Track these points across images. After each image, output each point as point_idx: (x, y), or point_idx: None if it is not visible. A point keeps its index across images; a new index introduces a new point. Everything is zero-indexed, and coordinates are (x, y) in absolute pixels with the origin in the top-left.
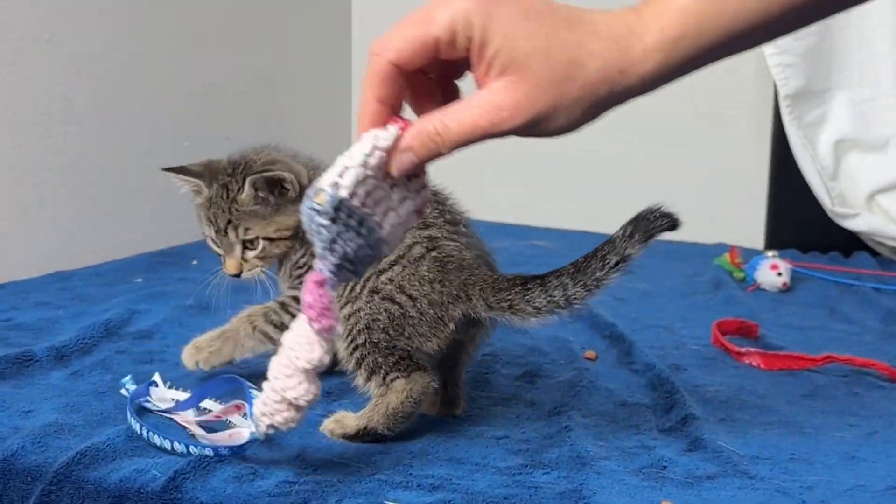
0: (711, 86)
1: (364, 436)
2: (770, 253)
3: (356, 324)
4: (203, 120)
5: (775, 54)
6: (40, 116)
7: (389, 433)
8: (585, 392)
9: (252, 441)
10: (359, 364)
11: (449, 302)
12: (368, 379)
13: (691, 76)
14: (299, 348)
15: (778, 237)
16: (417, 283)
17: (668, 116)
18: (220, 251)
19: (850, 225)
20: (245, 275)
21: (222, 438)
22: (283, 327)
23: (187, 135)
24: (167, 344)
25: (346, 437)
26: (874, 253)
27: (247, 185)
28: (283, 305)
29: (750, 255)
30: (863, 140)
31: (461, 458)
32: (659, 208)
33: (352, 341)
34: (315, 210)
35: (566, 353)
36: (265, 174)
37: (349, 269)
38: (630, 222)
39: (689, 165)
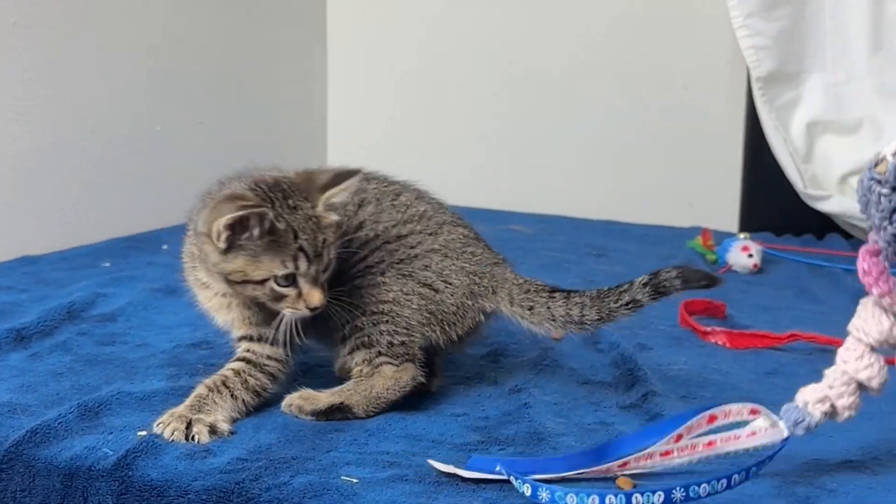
0: (685, 69)
1: (336, 412)
2: (741, 235)
3: (379, 294)
4: (173, 104)
5: (748, 36)
6: (8, 101)
7: (365, 416)
8: (549, 371)
9: (785, 440)
10: (353, 331)
11: (480, 295)
12: (354, 350)
13: (666, 59)
14: (865, 325)
15: (752, 220)
16: (455, 275)
17: (642, 101)
18: (287, 291)
19: (823, 207)
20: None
21: (741, 440)
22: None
23: (158, 119)
24: (130, 326)
25: (315, 413)
26: (847, 235)
27: (323, 202)
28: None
29: (724, 237)
30: (836, 122)
31: (418, 434)
32: (675, 269)
33: (364, 307)
34: (876, 180)
35: (533, 333)
36: (343, 188)
37: None
38: (650, 275)
39: (665, 149)
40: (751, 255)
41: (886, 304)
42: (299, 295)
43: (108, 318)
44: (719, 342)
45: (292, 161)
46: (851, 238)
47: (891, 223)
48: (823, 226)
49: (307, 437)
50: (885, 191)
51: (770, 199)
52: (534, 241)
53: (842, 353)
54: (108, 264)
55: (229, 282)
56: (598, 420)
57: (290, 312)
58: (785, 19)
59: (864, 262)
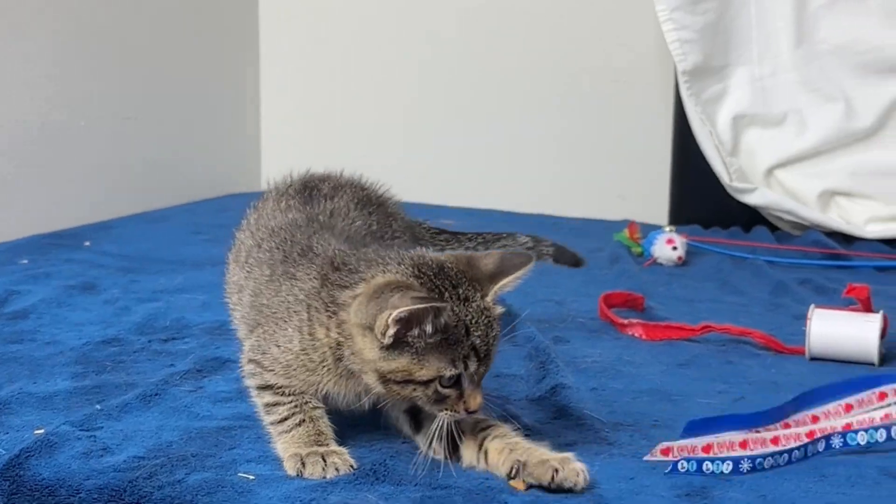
0: (615, 63)
1: None
2: (667, 228)
3: None
4: (99, 98)
5: (673, 30)
6: None
7: None
8: None
9: None
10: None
11: None
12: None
13: (596, 54)
14: None
15: (682, 213)
16: None
17: (573, 95)
18: (448, 392)
19: (748, 200)
20: None
21: None
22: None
23: (83, 113)
24: (41, 324)
25: None
26: (773, 227)
27: (494, 293)
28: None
29: (652, 230)
30: (761, 115)
31: None
32: (552, 245)
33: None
34: None
35: None
36: (517, 276)
37: None
38: (534, 240)
39: (596, 143)
40: (675, 248)
41: None
42: (460, 396)
43: (19, 316)
44: (636, 334)
45: (224, 158)
46: (777, 230)
47: None
48: (751, 218)
49: (211, 435)
50: None
51: (699, 192)
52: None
53: None
54: (25, 261)
55: (385, 380)
56: (506, 413)
57: (447, 416)
58: (710, 13)
59: None
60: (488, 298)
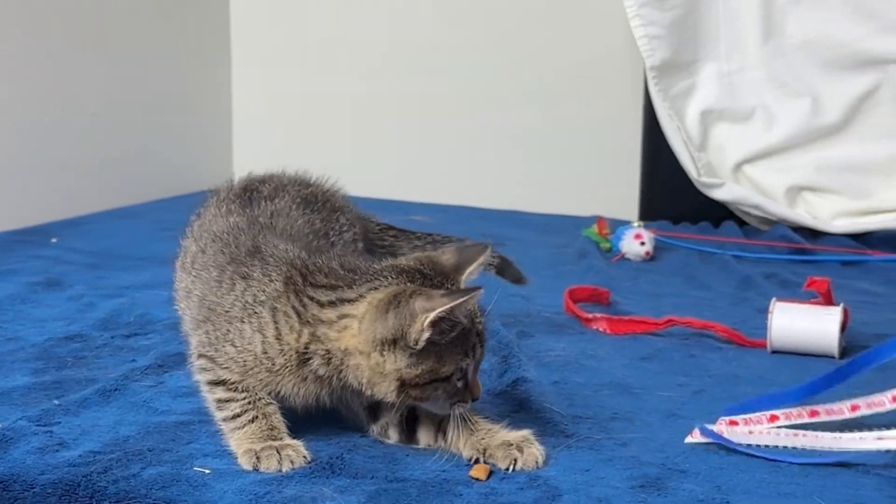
0: (585, 59)
1: None
2: (635, 223)
3: None
4: (65, 95)
5: (641, 26)
6: None
7: None
8: None
9: None
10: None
11: None
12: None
13: (566, 49)
14: None
15: (651, 208)
16: None
17: (542, 91)
18: (460, 384)
19: (716, 195)
20: None
21: None
22: None
23: (48, 110)
24: (3, 320)
25: None
26: (742, 223)
27: (464, 282)
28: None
29: (621, 226)
30: (730, 111)
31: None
32: (499, 258)
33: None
34: None
35: None
36: (479, 263)
37: None
38: None
39: (565, 139)
40: (643, 243)
41: None
42: (465, 386)
43: None
44: (600, 328)
45: (195, 154)
46: (745, 225)
47: None
48: (720, 214)
49: (168, 430)
50: None
51: (669, 187)
52: (432, 230)
53: None
54: None
55: (406, 386)
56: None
57: (458, 407)
58: (678, 9)
59: None
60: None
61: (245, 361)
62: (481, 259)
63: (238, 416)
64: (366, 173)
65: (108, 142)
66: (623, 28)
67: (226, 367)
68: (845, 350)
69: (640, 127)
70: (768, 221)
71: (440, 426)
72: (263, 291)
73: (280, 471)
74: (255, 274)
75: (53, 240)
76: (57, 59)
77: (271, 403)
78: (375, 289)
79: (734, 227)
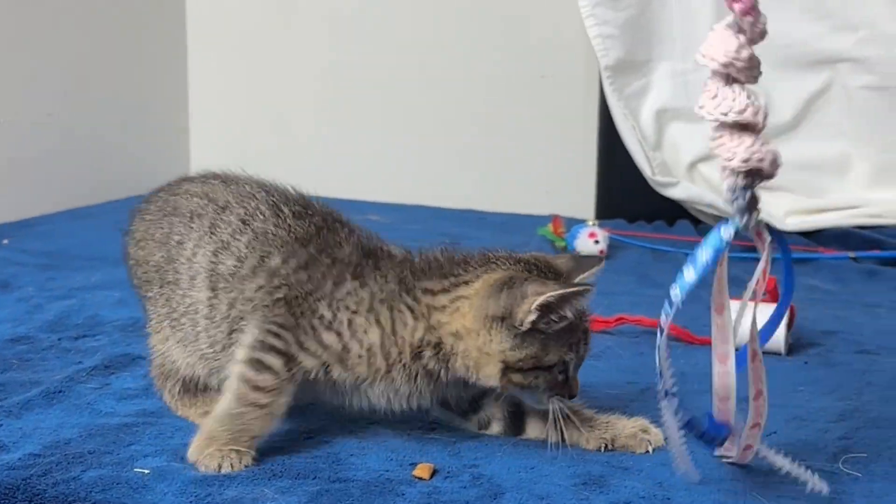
0: (542, 58)
1: None
2: (590, 222)
3: None
4: (18, 95)
5: (595, 25)
6: None
7: None
8: None
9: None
10: None
11: None
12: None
13: (523, 49)
14: (710, 49)
15: (607, 207)
16: None
17: (499, 90)
18: (561, 378)
19: (671, 193)
20: None
21: None
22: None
23: (1, 110)
24: None
25: None
26: (697, 221)
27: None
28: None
29: (576, 225)
30: (684, 110)
31: None
32: None
33: None
34: None
35: None
36: (593, 272)
37: None
38: None
39: (522, 138)
40: (597, 242)
41: (747, 25)
42: (565, 382)
43: None
44: None
45: (152, 154)
46: (700, 224)
47: None
48: (675, 212)
49: (111, 432)
50: None
51: (625, 186)
52: (387, 229)
53: (701, 101)
54: None
55: (509, 370)
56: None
57: (556, 401)
58: (632, 8)
59: None
60: None
61: (349, 350)
62: (595, 269)
63: (260, 388)
64: (321, 172)
65: (62, 142)
66: (578, 28)
67: (310, 353)
68: (792, 347)
69: (596, 126)
70: (722, 219)
71: (547, 419)
72: (382, 290)
73: (219, 470)
74: (368, 273)
75: (5, 241)
76: (10, 58)
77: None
78: (492, 271)
79: (689, 226)
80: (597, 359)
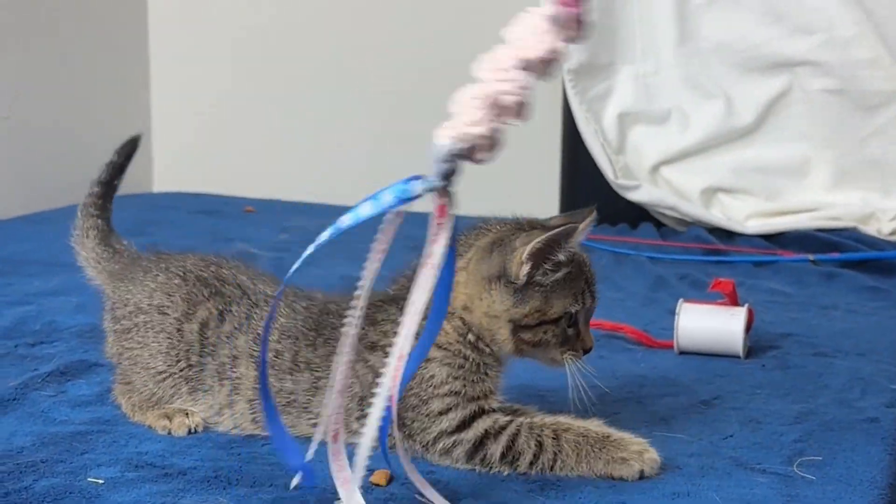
0: None
1: None
2: None
3: None
4: None
5: None
6: None
7: None
8: None
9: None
10: None
11: None
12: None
13: (480, 50)
14: (528, 36)
15: (571, 210)
16: None
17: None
18: (571, 332)
19: (633, 196)
20: None
21: None
22: None
23: None
24: None
25: None
26: (659, 224)
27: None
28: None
29: None
30: (646, 113)
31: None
32: None
33: None
34: None
35: None
36: (585, 225)
37: None
38: None
39: None
40: None
41: (571, 20)
42: (577, 336)
43: None
44: None
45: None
46: (663, 227)
47: None
48: (638, 215)
49: (64, 440)
50: None
51: (587, 189)
52: (350, 233)
53: (480, 69)
54: None
55: (518, 329)
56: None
57: (571, 359)
58: (594, 12)
59: None
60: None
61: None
62: (589, 220)
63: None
64: (285, 177)
65: (18, 146)
66: None
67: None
68: (750, 350)
69: (559, 129)
70: (684, 223)
71: None
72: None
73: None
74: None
75: None
76: None
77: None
78: (482, 237)
79: (651, 229)
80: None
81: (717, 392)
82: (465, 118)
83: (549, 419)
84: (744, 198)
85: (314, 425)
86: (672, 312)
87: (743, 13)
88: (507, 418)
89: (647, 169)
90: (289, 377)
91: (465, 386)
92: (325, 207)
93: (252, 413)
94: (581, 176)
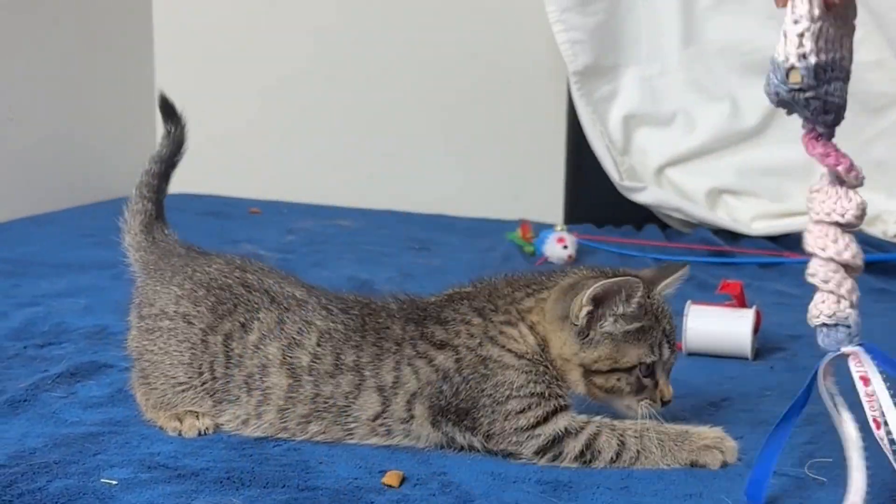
0: (509, 64)
1: None
2: (557, 227)
3: None
4: None
5: (563, 31)
6: None
7: None
8: None
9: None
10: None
11: None
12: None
13: (490, 54)
14: (836, 205)
15: (576, 212)
16: None
17: (467, 96)
18: (647, 382)
19: (638, 198)
20: None
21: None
22: None
23: None
24: None
25: None
26: (664, 226)
27: (659, 291)
28: None
29: (545, 230)
30: (651, 115)
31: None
32: None
33: None
34: (795, 90)
35: None
36: (676, 278)
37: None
38: None
39: (490, 143)
40: (566, 247)
41: (852, 179)
42: (655, 387)
43: None
44: None
45: (118, 160)
46: (668, 228)
47: (825, 113)
48: (644, 217)
49: (76, 442)
50: (808, 94)
51: (593, 191)
52: (356, 235)
53: (814, 243)
54: None
55: (591, 373)
56: None
57: (646, 408)
58: (600, 14)
59: (818, 147)
60: (658, 294)
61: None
62: (678, 274)
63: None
64: (291, 177)
65: (26, 147)
66: (547, 33)
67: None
68: (759, 352)
69: (564, 131)
70: (690, 224)
71: None
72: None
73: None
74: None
75: None
76: None
77: None
78: (567, 278)
79: (656, 230)
80: None
81: (726, 394)
82: (831, 285)
83: (628, 422)
84: (749, 199)
85: (349, 431)
86: (679, 314)
87: (748, 16)
88: (585, 417)
89: (652, 170)
90: (330, 381)
91: (546, 389)
92: (330, 209)
93: (282, 422)
94: (586, 177)
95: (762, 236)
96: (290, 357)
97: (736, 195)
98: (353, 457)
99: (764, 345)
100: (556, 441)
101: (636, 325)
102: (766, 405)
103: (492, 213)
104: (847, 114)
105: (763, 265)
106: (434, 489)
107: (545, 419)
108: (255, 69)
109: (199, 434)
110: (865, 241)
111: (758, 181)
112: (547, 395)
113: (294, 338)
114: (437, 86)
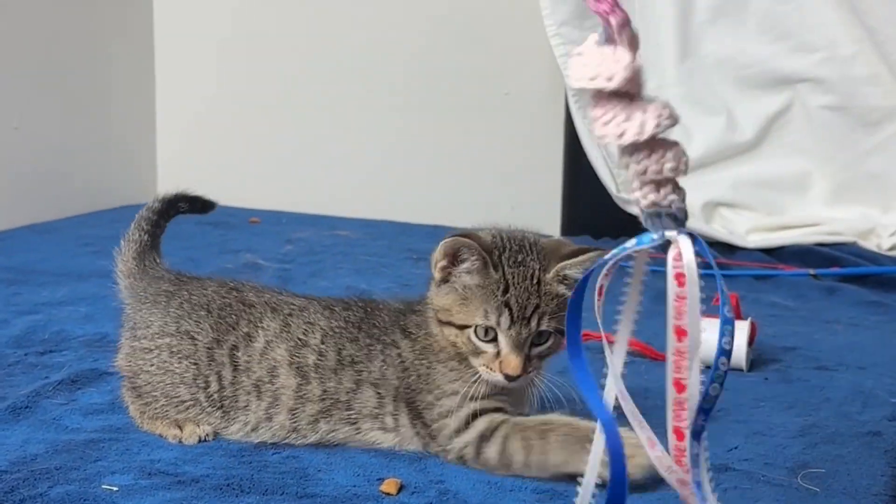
0: (507, 75)
1: None
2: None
3: None
4: None
5: (561, 44)
6: None
7: None
8: None
9: None
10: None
11: None
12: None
13: (488, 66)
14: (603, 67)
15: (573, 223)
16: None
17: (465, 107)
18: (485, 347)
19: (635, 210)
20: (521, 380)
21: None
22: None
23: None
24: None
25: None
26: None
27: (555, 270)
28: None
29: None
30: None
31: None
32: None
33: None
34: None
35: None
36: (580, 261)
37: None
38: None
39: (487, 154)
40: None
41: (625, 37)
42: (497, 356)
43: None
44: None
45: (119, 169)
46: None
47: None
48: (640, 229)
49: (77, 448)
50: None
51: (589, 202)
52: (354, 245)
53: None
54: None
55: (437, 321)
56: None
57: (484, 372)
58: (597, 27)
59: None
60: (549, 274)
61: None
62: (583, 258)
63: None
64: (290, 188)
65: (28, 156)
66: (545, 45)
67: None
68: (753, 363)
69: (562, 143)
70: None
71: None
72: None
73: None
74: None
75: None
76: None
77: None
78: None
79: None
80: (559, 375)
81: (720, 404)
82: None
83: (538, 418)
84: (745, 212)
85: (352, 423)
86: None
87: (745, 30)
88: (502, 418)
89: None
90: (333, 376)
91: (463, 386)
92: (329, 219)
93: (293, 422)
94: (583, 189)
95: (757, 249)
96: (298, 357)
97: (732, 208)
98: (351, 464)
99: (758, 356)
100: (479, 446)
101: (479, 284)
102: (760, 415)
103: (488, 224)
104: (842, 128)
105: (758, 277)
106: (431, 497)
107: (466, 424)
108: (255, 80)
109: (200, 441)
110: (859, 255)
111: (753, 194)
112: (466, 395)
113: (300, 338)
114: (437, 98)
